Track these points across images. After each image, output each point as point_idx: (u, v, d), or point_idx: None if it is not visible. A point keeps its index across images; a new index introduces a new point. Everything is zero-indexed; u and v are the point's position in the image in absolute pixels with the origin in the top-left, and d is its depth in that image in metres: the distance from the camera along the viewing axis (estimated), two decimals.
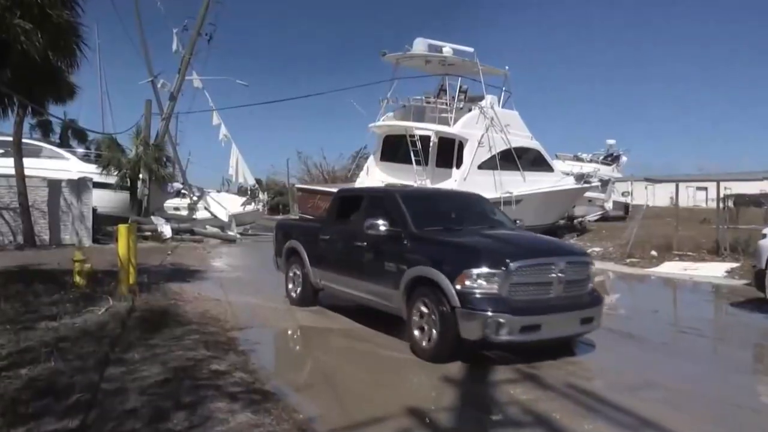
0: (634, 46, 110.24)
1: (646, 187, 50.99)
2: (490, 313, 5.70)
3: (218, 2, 24.49)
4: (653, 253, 16.75)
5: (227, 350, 6.26)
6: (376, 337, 7.34)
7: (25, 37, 8.58)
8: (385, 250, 7.05)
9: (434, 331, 6.08)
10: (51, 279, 9.96)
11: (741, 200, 38.77)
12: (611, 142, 36.45)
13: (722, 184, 18.90)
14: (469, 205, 8.74)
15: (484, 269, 5.86)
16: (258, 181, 35.88)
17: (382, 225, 6.97)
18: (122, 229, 9.36)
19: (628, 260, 16.55)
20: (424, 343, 6.24)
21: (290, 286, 9.35)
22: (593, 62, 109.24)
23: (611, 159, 35.34)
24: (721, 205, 17.77)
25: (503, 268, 5.86)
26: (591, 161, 32.79)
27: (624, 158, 36.27)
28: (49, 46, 9.05)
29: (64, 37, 9.24)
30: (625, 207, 35.58)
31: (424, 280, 6.28)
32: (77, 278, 9.50)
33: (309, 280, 8.80)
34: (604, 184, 25.34)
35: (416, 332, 6.36)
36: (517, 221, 8.37)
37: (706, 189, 48.85)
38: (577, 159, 32.65)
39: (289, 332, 8.05)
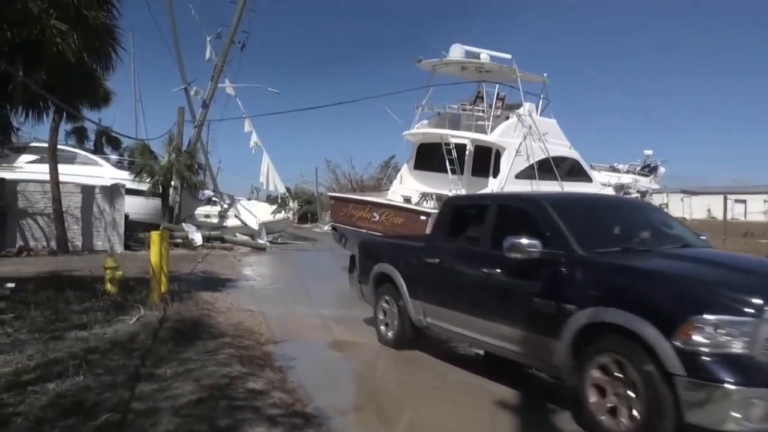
0: (661, 54, 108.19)
1: (682, 200, 49.96)
2: (737, 387, 3.66)
3: (252, 10, 24.57)
4: None
5: (263, 366, 5.90)
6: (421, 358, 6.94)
7: (61, 39, 8.43)
8: (536, 281, 5.05)
9: (633, 407, 4.08)
10: (82, 286, 9.79)
11: None
12: (648, 152, 35.34)
13: (761, 197, 18.13)
14: (640, 215, 6.53)
15: (724, 315, 3.80)
16: (287, 189, 35.87)
17: (531, 246, 4.94)
18: (155, 236, 9.11)
19: None
20: (613, 423, 4.22)
21: (382, 326, 7.42)
22: (621, 71, 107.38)
23: (648, 170, 34.33)
24: None
25: (755, 314, 3.81)
26: (628, 172, 31.87)
27: (662, 169, 35.16)
28: (85, 48, 8.89)
29: (99, 38, 9.07)
30: None
31: (610, 329, 4.28)
32: (108, 286, 9.29)
33: (408, 316, 6.82)
34: (642, 195, 24.54)
35: (600, 412, 4.33)
36: (702, 236, 6.32)
37: (744, 202, 47.61)
38: (614, 170, 31.72)
39: (328, 347, 7.58)
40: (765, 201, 43.72)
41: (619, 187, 21.25)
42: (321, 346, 7.59)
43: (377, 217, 15.03)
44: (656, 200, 35.08)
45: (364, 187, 46.99)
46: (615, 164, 33.71)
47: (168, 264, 9.36)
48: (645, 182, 30.07)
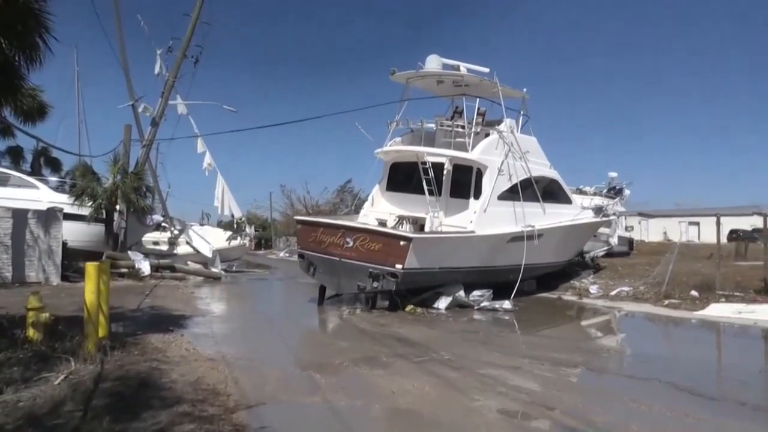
0: (603, 76, 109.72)
1: (639, 222, 50.33)
2: None
3: (206, 23, 22.90)
4: (694, 293, 15.01)
5: None
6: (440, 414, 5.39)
7: None
8: None
9: None
10: None
11: (747, 235, 37.53)
12: (613, 174, 35.03)
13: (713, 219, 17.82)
14: None
15: None
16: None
17: None
18: (90, 268, 7.28)
19: (666, 302, 14.78)
20: None
21: None
22: (557, 94, 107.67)
23: (614, 192, 33.99)
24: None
25: None
26: (595, 194, 31.41)
27: (627, 191, 34.93)
28: (1, 31, 7.03)
29: (21, 20, 7.19)
30: (629, 242, 34.31)
31: None
32: (30, 332, 7.39)
33: None
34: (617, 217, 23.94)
35: None
36: None
37: (698, 224, 48.22)
38: (580, 192, 31.23)
39: (320, 414, 5.74)
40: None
41: (598, 210, 20.37)
42: (311, 412, 5.80)
43: (351, 243, 13.51)
44: (621, 222, 34.83)
45: (319, 212, 45.63)
46: (581, 186, 33.23)
47: (108, 302, 7.57)
48: (614, 205, 29.69)
